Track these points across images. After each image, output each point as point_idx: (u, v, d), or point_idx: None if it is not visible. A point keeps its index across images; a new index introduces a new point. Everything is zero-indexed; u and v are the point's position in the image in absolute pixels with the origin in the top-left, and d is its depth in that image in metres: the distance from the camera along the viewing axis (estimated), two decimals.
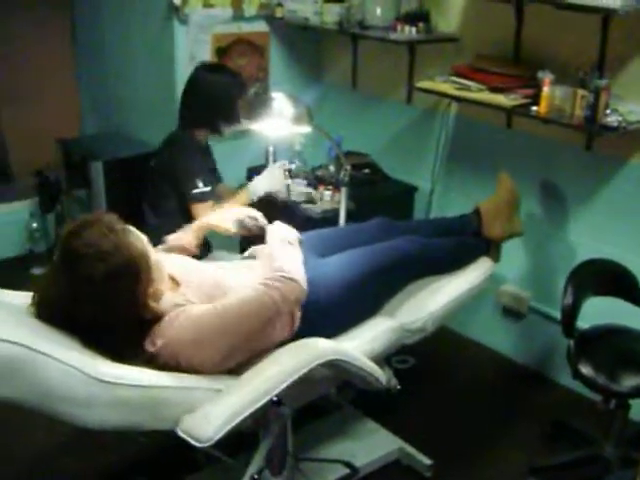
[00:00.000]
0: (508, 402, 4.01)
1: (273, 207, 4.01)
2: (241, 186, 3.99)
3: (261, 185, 3.87)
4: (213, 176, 3.94)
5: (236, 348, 2.55)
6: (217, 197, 3.84)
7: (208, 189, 3.69)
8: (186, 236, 3.19)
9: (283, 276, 2.64)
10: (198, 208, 3.65)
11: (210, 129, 3.84)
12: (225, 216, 3.21)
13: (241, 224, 3.15)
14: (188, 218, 3.55)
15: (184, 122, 3.85)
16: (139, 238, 2.49)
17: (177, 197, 3.73)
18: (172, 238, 3.18)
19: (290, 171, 4.01)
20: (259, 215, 3.18)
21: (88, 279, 2.32)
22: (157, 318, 2.51)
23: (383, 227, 3.47)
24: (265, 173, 3.92)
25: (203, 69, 3.90)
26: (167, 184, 3.74)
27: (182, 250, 3.12)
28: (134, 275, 2.41)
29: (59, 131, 5.28)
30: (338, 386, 3.39)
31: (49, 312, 2.42)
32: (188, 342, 2.49)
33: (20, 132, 5.70)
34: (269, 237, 3.02)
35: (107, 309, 2.38)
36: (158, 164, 3.86)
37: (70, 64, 5.62)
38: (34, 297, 2.47)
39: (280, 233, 3.02)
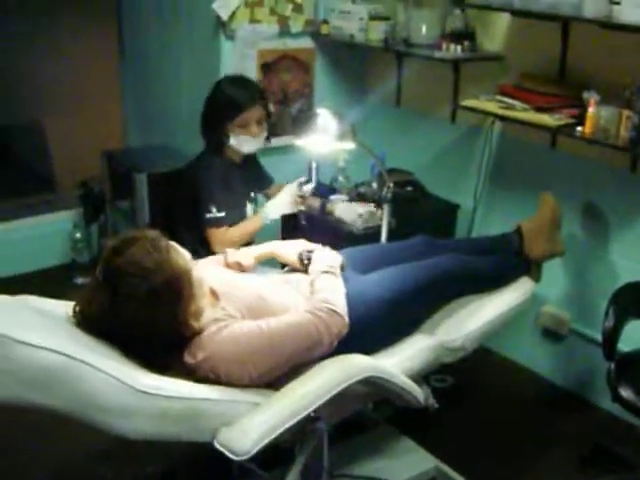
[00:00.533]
0: (546, 424, 3.97)
1: (314, 222, 4.01)
2: (256, 211, 4.00)
3: (274, 209, 3.89)
4: (240, 196, 3.92)
5: (275, 367, 2.56)
6: (234, 220, 3.82)
7: (222, 215, 3.72)
8: (248, 257, 3.22)
9: (329, 308, 2.65)
10: (212, 232, 3.72)
11: (216, 142, 3.84)
12: (291, 248, 3.23)
13: (299, 257, 3.18)
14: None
15: (205, 141, 3.91)
16: (182, 255, 2.50)
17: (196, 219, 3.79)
18: (232, 254, 3.21)
19: (304, 191, 3.94)
20: (317, 248, 3.21)
21: (130, 297, 2.34)
22: (196, 333, 2.52)
23: (425, 245, 3.47)
24: (278, 197, 3.91)
25: (221, 80, 3.95)
26: (188, 205, 3.80)
27: (237, 267, 3.16)
28: (176, 293, 2.42)
29: (104, 143, 5.35)
30: (375, 403, 3.39)
31: (90, 324, 2.44)
32: (230, 358, 2.49)
33: (65, 143, 5.79)
34: (314, 263, 3.04)
35: (147, 326, 2.39)
36: (181, 185, 3.92)
37: (116, 76, 5.69)
38: (75, 308, 2.49)
39: (325, 259, 3.03)
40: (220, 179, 3.76)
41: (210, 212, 3.69)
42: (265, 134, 3.87)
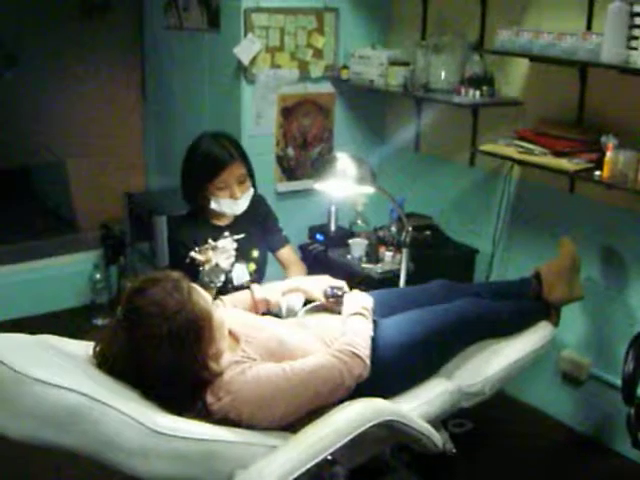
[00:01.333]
0: (566, 470, 3.93)
1: (334, 266, 4.02)
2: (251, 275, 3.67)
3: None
4: None
5: (298, 410, 2.57)
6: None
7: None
8: (275, 293, 3.23)
9: (353, 352, 2.67)
10: None
11: (198, 206, 3.60)
12: (316, 284, 3.25)
13: (325, 294, 3.19)
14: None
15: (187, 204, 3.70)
16: (203, 298, 2.51)
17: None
18: (259, 290, 3.22)
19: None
20: (343, 285, 3.22)
21: (150, 337, 2.35)
22: (216, 375, 2.52)
23: (444, 288, 3.47)
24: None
25: (198, 138, 3.62)
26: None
27: (264, 303, 3.19)
28: (197, 335, 2.43)
29: (125, 185, 5.40)
30: (393, 448, 3.37)
31: (110, 364, 2.44)
32: (254, 400, 2.50)
33: (87, 185, 5.85)
34: (347, 303, 3.05)
35: (167, 367, 2.39)
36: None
37: (138, 119, 5.76)
38: (96, 348, 2.50)
39: (359, 301, 3.04)
40: (191, 245, 3.40)
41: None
42: (251, 192, 3.57)
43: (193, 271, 3.15)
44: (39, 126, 5.86)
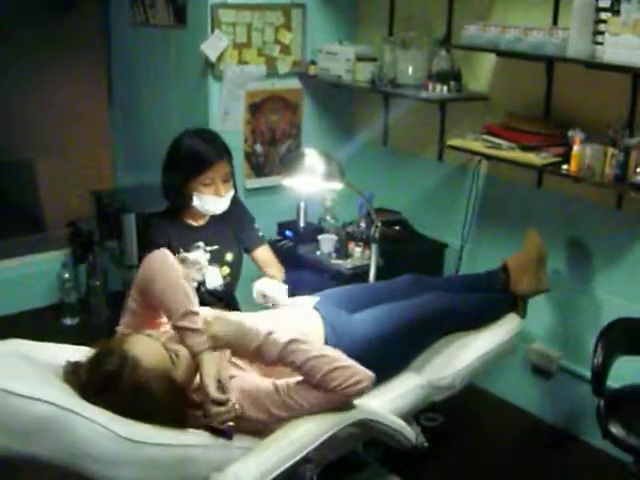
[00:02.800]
0: (537, 462, 3.96)
1: (304, 262, 4.02)
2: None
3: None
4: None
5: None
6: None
7: None
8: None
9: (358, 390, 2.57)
10: None
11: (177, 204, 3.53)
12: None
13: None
14: None
15: (166, 201, 3.60)
16: (154, 353, 2.46)
17: None
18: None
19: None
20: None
21: (124, 403, 2.34)
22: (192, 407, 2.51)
23: (413, 283, 3.48)
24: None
25: (183, 134, 3.56)
26: None
27: None
28: (166, 392, 2.41)
29: (93, 183, 5.36)
30: (365, 443, 3.37)
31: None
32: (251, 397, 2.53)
33: (54, 183, 5.80)
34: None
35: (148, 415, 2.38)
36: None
37: (105, 117, 5.71)
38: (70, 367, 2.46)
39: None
40: (161, 242, 3.32)
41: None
42: (232, 192, 3.51)
43: None
44: (5, 124, 5.80)
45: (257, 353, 2.53)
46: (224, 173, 3.44)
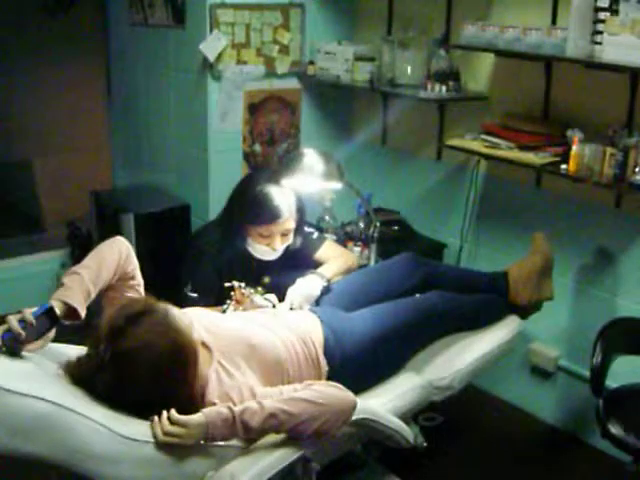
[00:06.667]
0: (536, 461, 3.96)
1: (302, 260, 4.00)
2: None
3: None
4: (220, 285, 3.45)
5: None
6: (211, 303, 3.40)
7: (194, 296, 3.43)
8: None
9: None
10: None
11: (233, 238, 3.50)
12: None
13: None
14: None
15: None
16: (186, 326, 2.46)
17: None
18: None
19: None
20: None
21: (137, 379, 2.32)
22: (195, 402, 2.49)
23: (410, 265, 3.47)
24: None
25: (258, 178, 3.51)
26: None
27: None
28: (183, 367, 2.40)
29: (92, 183, 5.35)
30: (364, 443, 3.37)
31: (87, 391, 2.39)
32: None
33: (53, 183, 5.79)
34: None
35: (151, 396, 2.35)
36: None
37: (104, 117, 5.71)
38: (69, 370, 2.44)
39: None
40: (211, 261, 3.48)
41: (186, 287, 3.46)
42: (289, 242, 3.50)
43: (217, 292, 3.26)
44: (3, 125, 5.80)
45: (247, 436, 2.45)
46: (285, 229, 3.42)
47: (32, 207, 6.06)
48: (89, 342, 2.45)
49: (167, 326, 2.38)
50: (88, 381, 2.38)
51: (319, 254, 3.70)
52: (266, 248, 3.43)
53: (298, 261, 3.60)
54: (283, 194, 3.42)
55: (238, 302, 3.28)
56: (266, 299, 3.32)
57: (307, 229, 3.70)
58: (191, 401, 2.46)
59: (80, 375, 2.40)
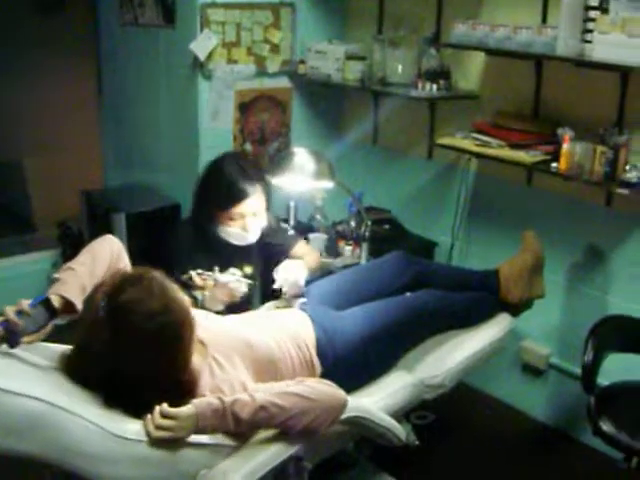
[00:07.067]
0: (528, 459, 3.97)
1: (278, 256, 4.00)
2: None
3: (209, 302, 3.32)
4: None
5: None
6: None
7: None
8: None
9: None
10: None
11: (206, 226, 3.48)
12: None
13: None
14: None
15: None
16: (185, 298, 2.49)
17: None
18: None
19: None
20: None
21: (133, 336, 2.32)
22: (191, 380, 2.50)
23: (401, 264, 3.48)
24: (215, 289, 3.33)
25: (222, 160, 3.51)
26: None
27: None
28: (178, 336, 2.40)
29: (83, 182, 5.34)
30: (356, 441, 3.38)
31: (83, 366, 2.41)
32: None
33: (43, 182, 5.78)
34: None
35: (146, 367, 2.35)
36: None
37: (95, 116, 5.70)
38: (66, 352, 2.47)
39: None
40: (191, 249, 3.44)
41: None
42: (263, 223, 3.49)
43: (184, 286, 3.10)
44: None
45: (238, 429, 2.45)
46: (256, 208, 3.42)
47: (23, 207, 6.04)
48: (86, 303, 2.48)
49: (162, 288, 2.40)
50: (88, 353, 2.39)
51: (294, 251, 3.71)
52: (240, 232, 3.41)
53: (275, 256, 3.60)
54: (246, 174, 3.41)
55: (203, 288, 3.24)
56: (232, 274, 3.32)
57: (283, 225, 3.74)
58: (184, 389, 2.46)
59: (79, 346, 2.44)
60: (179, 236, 3.55)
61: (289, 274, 3.37)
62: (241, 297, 3.36)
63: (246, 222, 3.40)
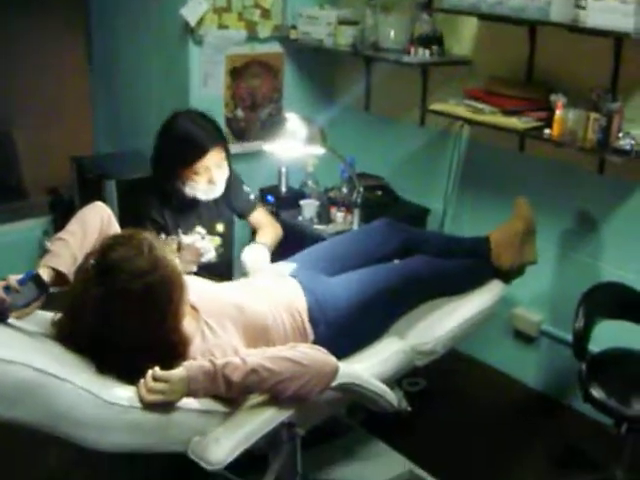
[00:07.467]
0: (519, 425, 3.99)
1: (286, 229, 4.00)
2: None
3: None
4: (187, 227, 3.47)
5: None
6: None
7: None
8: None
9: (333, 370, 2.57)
10: None
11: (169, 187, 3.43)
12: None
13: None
14: None
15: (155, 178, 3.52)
16: (172, 257, 2.48)
17: None
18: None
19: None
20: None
21: (123, 293, 2.32)
22: (183, 342, 2.50)
23: (388, 230, 3.48)
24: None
25: (177, 117, 3.45)
26: None
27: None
28: (168, 295, 2.40)
29: (73, 149, 5.31)
30: (348, 408, 3.39)
31: (74, 329, 2.41)
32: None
33: (34, 150, 5.75)
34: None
35: (138, 327, 2.35)
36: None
37: (85, 83, 5.66)
38: (58, 315, 2.47)
39: None
40: (156, 214, 3.41)
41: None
42: (227, 174, 3.44)
43: None
44: None
45: (229, 392, 2.44)
46: (219, 160, 3.38)
47: (13, 175, 6.02)
48: (77, 272, 2.48)
49: (152, 248, 2.40)
50: (77, 318, 2.39)
51: (254, 217, 3.72)
52: (207, 185, 3.37)
53: (225, 202, 3.60)
54: (203, 127, 3.37)
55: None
56: (198, 233, 3.35)
57: (245, 188, 3.70)
58: (175, 353, 2.46)
59: (68, 312, 2.43)
60: (143, 202, 3.48)
61: (254, 263, 3.39)
62: (218, 255, 3.44)
63: (212, 174, 3.35)
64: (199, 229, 3.40)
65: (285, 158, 3.97)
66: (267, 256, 3.47)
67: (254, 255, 3.43)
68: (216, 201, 3.53)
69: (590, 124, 3.39)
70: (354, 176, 3.84)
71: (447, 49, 4.24)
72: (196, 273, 3.22)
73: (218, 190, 3.42)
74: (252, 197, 3.72)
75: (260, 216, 3.74)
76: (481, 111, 3.83)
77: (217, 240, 3.52)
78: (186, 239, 3.31)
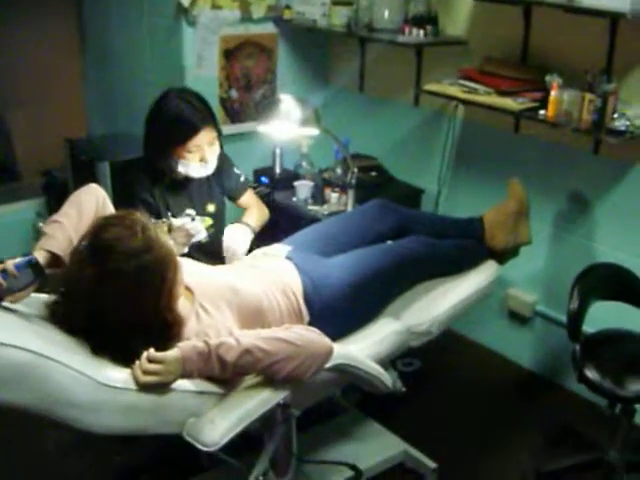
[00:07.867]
0: (513, 406, 4.01)
1: (280, 210, 4.00)
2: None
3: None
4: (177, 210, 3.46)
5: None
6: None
7: None
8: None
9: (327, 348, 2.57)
10: None
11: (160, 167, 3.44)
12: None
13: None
14: None
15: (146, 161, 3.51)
16: (165, 238, 2.48)
17: None
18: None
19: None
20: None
21: (117, 273, 2.31)
22: (177, 322, 2.50)
23: (381, 211, 3.49)
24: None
25: (167, 96, 3.43)
26: None
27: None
28: (161, 275, 2.40)
29: (66, 131, 5.29)
30: (343, 389, 3.39)
31: (69, 311, 2.41)
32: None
33: (27, 132, 5.72)
34: None
35: (132, 307, 2.35)
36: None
37: (77, 64, 5.63)
38: (51, 299, 2.47)
39: None
40: (147, 199, 3.42)
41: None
42: (218, 152, 3.44)
43: None
44: None
45: (223, 373, 2.45)
46: (211, 138, 3.38)
47: (6, 157, 5.99)
48: (72, 254, 2.47)
49: (145, 228, 2.40)
50: (71, 299, 2.40)
51: (244, 199, 3.73)
52: (199, 163, 3.37)
53: (216, 183, 3.62)
54: (194, 106, 3.36)
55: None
56: (188, 214, 3.34)
57: (236, 171, 3.70)
58: (170, 334, 2.46)
59: (64, 292, 2.43)
60: (133, 181, 3.48)
61: (232, 242, 3.45)
62: (209, 235, 3.45)
63: (204, 152, 3.36)
64: (189, 210, 3.39)
65: (279, 139, 3.96)
66: (248, 236, 3.50)
67: (233, 234, 3.48)
68: (208, 180, 3.54)
69: (585, 105, 3.39)
70: (348, 157, 3.83)
71: (442, 29, 4.22)
72: (188, 254, 3.22)
73: (210, 168, 3.42)
74: (242, 179, 3.71)
75: (249, 198, 3.75)
76: (476, 91, 3.83)
77: (208, 220, 3.53)
78: (176, 221, 3.30)
